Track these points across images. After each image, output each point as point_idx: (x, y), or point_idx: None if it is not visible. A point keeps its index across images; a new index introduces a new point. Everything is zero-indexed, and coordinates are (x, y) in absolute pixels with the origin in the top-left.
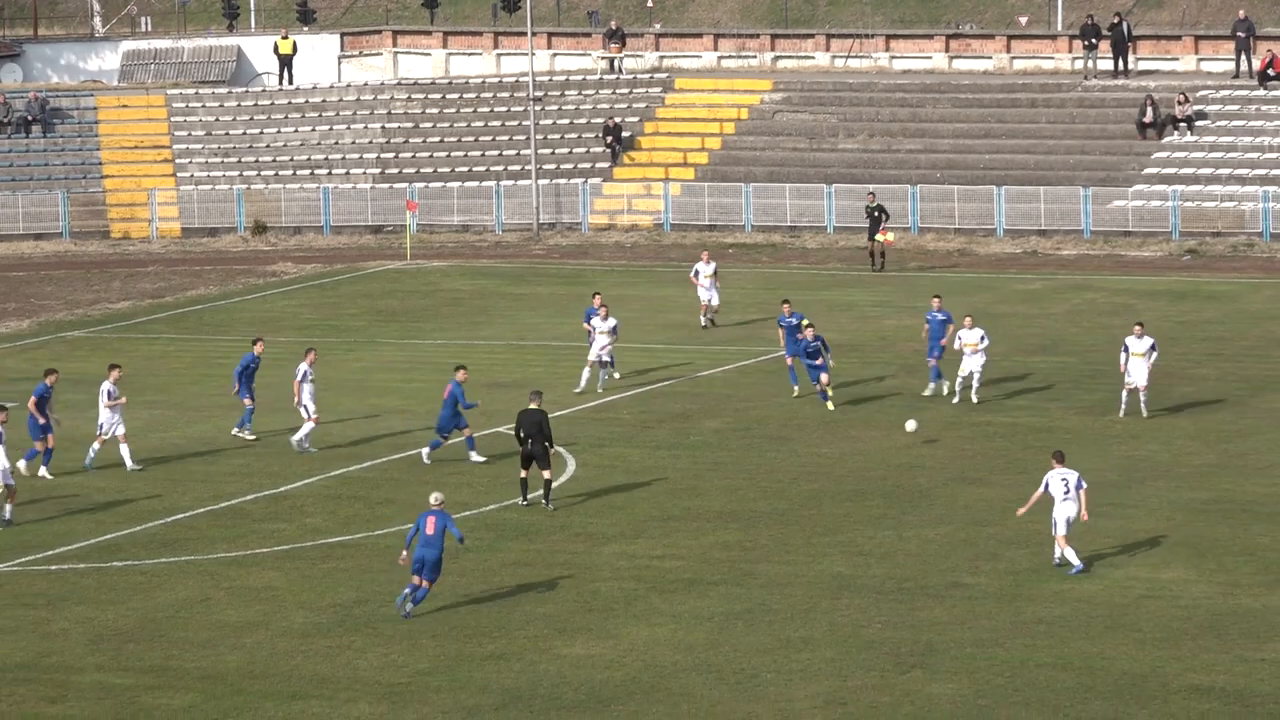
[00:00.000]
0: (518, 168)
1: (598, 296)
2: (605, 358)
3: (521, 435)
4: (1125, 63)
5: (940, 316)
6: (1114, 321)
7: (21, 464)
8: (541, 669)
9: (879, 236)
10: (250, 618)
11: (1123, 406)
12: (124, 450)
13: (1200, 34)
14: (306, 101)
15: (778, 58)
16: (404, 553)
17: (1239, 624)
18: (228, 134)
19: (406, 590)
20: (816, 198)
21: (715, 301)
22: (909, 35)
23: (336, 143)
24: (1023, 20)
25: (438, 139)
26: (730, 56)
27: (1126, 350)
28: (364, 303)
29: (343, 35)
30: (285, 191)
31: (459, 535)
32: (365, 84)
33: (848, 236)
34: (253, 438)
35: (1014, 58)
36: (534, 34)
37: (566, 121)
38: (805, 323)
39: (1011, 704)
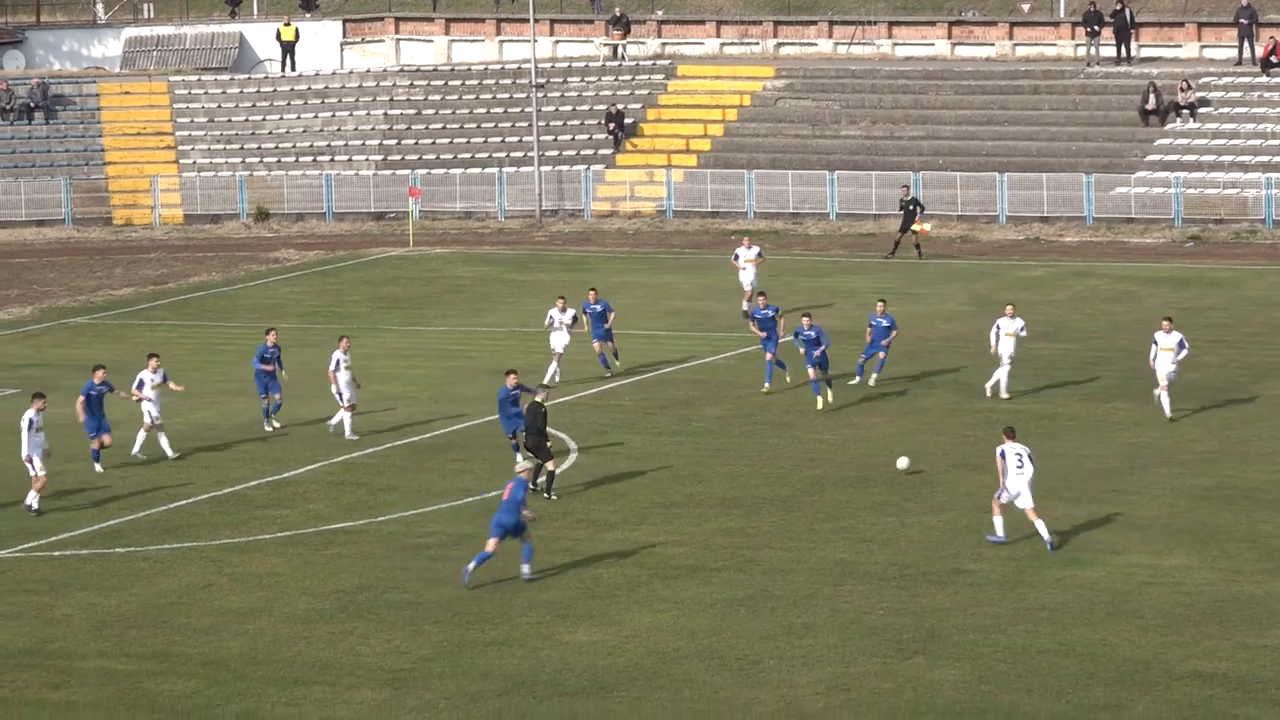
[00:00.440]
0: (520, 154)
1: (593, 292)
2: (561, 349)
3: (524, 426)
4: (1128, 49)
5: (884, 323)
6: (1116, 308)
7: (99, 467)
8: (544, 655)
9: (915, 227)
10: (253, 604)
11: (1156, 394)
12: (162, 439)
13: (1203, 21)
14: (309, 88)
15: (780, 44)
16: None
17: (1241, 610)
18: (230, 121)
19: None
20: (819, 184)
21: (756, 285)
22: (912, 22)
23: (339, 129)
24: (1025, 7)
25: (440, 126)
26: (733, 43)
27: (1155, 344)
28: (366, 289)
29: (345, 22)
30: (288, 178)
31: (520, 500)
32: (368, 71)
33: (850, 223)
34: (275, 426)
35: (1017, 44)
36: (536, 21)
37: (569, 108)
38: (793, 313)
39: (1014, 690)
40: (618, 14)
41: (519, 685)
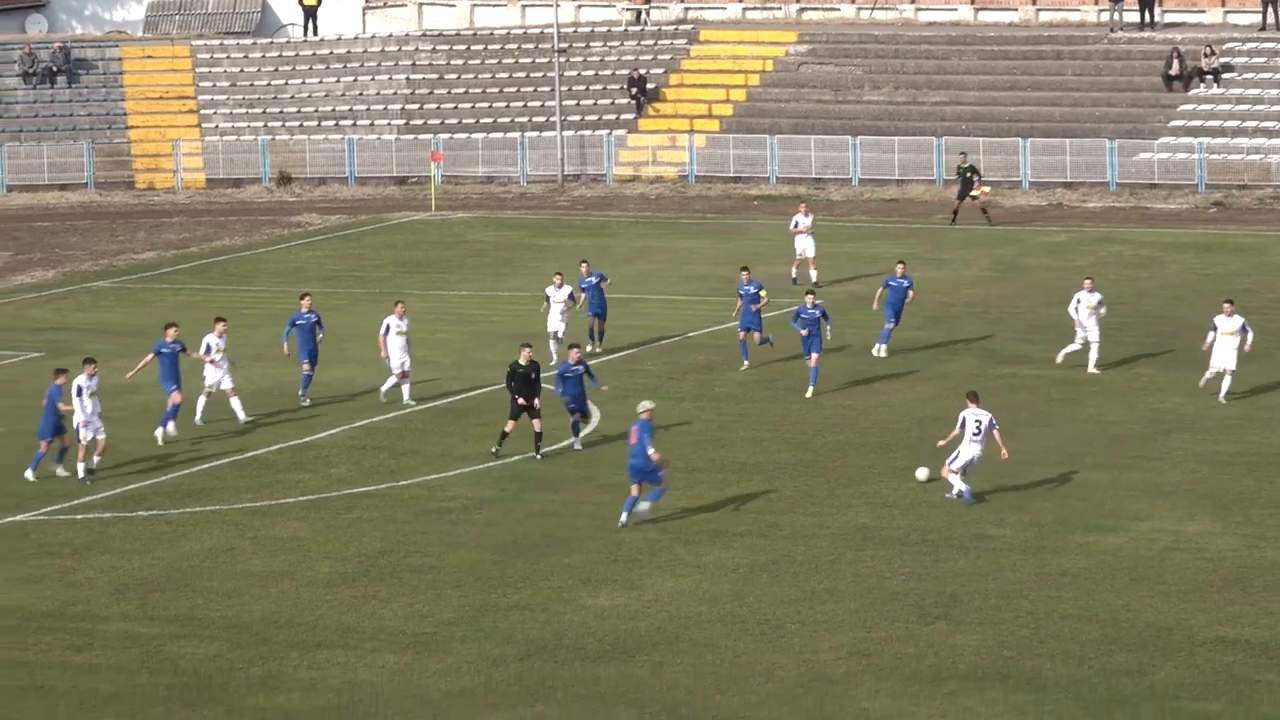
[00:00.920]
0: (542, 119)
1: (585, 265)
2: (560, 334)
3: (513, 387)
4: (1151, 15)
5: (904, 283)
6: (1139, 274)
7: (159, 432)
8: (566, 620)
9: (975, 192)
10: (275, 567)
11: (1205, 380)
12: (235, 403)
13: None
14: (331, 53)
15: (803, 9)
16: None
17: (1264, 576)
18: (252, 85)
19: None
20: (841, 150)
21: (811, 254)
22: None
23: (361, 94)
24: None
25: (462, 90)
26: (755, 8)
27: (1215, 330)
28: (388, 254)
29: None
30: (310, 142)
31: (648, 444)
32: (390, 35)
33: (872, 189)
34: (307, 404)
35: (1040, 10)
36: None
37: (591, 73)
38: (805, 291)
39: (1036, 655)
40: None
41: (541, 649)
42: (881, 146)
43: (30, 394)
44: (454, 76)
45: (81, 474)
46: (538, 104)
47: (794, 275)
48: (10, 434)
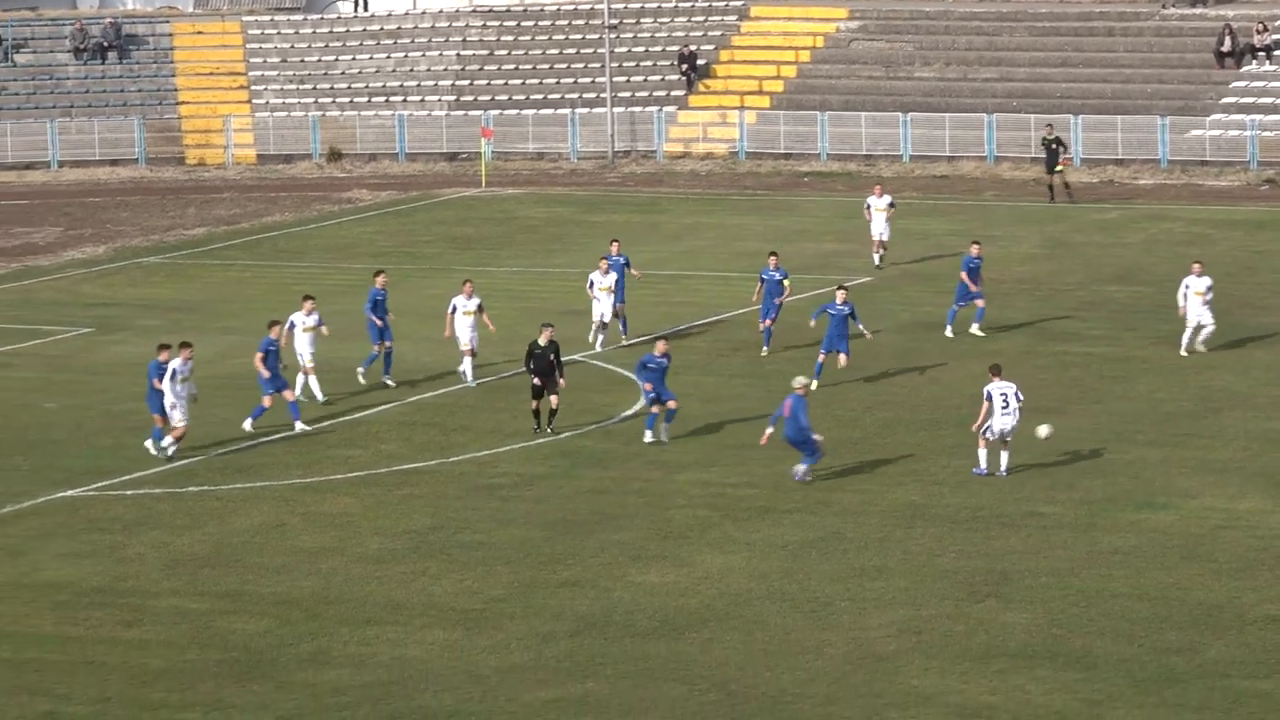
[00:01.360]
0: (593, 95)
1: (615, 244)
2: (607, 319)
3: (532, 367)
4: None
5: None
6: (1190, 251)
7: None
8: (615, 596)
9: (1059, 168)
10: (325, 543)
11: (1186, 340)
12: (312, 382)
13: None
14: (382, 28)
15: None
16: (768, 429)
17: None
18: (303, 61)
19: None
20: (892, 126)
21: (886, 236)
22: None
23: (412, 70)
24: None
25: (513, 66)
26: None
27: (1186, 288)
28: (439, 230)
29: None
30: (360, 118)
31: (799, 415)
32: (440, 11)
33: (924, 165)
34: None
35: None
36: None
37: (642, 49)
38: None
39: (1086, 633)
40: None
41: (590, 626)
42: (932, 123)
43: (82, 369)
44: (504, 52)
45: (170, 451)
46: (588, 80)
47: (876, 260)
48: (61, 409)
